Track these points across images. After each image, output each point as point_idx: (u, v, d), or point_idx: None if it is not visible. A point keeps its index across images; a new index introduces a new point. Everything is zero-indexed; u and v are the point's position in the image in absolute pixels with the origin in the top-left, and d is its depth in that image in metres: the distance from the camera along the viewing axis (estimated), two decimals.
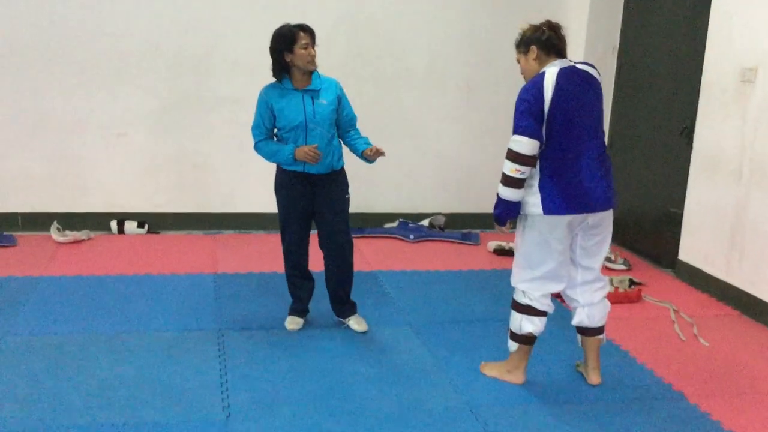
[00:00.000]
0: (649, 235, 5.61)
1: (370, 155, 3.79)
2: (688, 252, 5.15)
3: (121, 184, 5.82)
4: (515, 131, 3.14)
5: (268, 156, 3.84)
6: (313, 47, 3.70)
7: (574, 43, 6.21)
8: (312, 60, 3.70)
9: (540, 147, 3.15)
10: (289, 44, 3.66)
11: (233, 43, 5.77)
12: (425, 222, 6.18)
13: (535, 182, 3.19)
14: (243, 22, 5.75)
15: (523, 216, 3.27)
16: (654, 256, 5.58)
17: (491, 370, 3.55)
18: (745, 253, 4.57)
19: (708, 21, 4.91)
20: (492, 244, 5.68)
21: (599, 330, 3.45)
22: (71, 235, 5.44)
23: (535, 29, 3.24)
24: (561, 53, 3.25)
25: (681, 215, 5.22)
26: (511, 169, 3.12)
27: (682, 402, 3.38)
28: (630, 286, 4.81)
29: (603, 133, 3.30)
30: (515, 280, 3.37)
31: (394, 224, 6.12)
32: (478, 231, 6.22)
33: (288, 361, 3.63)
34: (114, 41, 5.60)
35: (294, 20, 5.72)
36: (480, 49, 6.13)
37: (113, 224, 5.75)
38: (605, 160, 3.28)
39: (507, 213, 3.24)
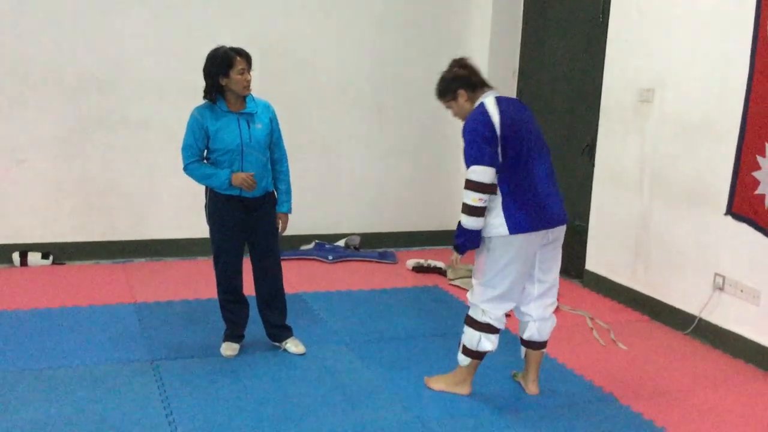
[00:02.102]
0: None
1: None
2: (595, 262, 5.45)
3: (22, 214, 5.52)
4: (472, 162, 3.21)
5: (201, 179, 3.77)
6: (249, 72, 3.67)
7: (476, 61, 6.47)
8: (247, 86, 3.68)
9: (496, 173, 3.26)
10: (224, 68, 3.62)
11: (140, 64, 5.62)
12: (341, 242, 6.21)
13: (497, 205, 3.29)
14: (149, 43, 5.62)
15: (487, 239, 3.35)
16: (562, 268, 5.81)
17: (437, 383, 3.62)
18: (651, 262, 4.89)
19: (605, 45, 5.25)
20: (411, 262, 5.78)
21: (544, 344, 3.60)
22: None
23: (454, 75, 3.39)
24: (484, 84, 3.40)
25: (586, 228, 5.52)
26: (473, 199, 3.20)
27: (615, 404, 3.58)
28: None
29: (548, 151, 3.46)
30: (477, 299, 3.44)
31: (311, 246, 6.12)
32: (393, 250, 6.32)
33: (231, 388, 3.56)
34: (12, 63, 5.32)
35: (204, 42, 5.66)
36: (390, 69, 6.27)
37: (15, 256, 5.43)
38: (554, 177, 3.45)
39: (470, 242, 3.30)
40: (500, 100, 3.34)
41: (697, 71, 4.48)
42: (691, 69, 4.53)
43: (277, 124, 3.91)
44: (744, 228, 4.17)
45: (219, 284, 3.93)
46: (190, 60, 5.69)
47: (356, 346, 4.16)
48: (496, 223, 3.30)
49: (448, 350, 4.06)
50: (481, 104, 3.33)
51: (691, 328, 4.52)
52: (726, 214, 4.28)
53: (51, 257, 5.51)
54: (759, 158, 4.00)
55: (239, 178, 3.67)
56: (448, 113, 6.77)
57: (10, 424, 3.13)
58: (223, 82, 3.64)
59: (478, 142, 3.21)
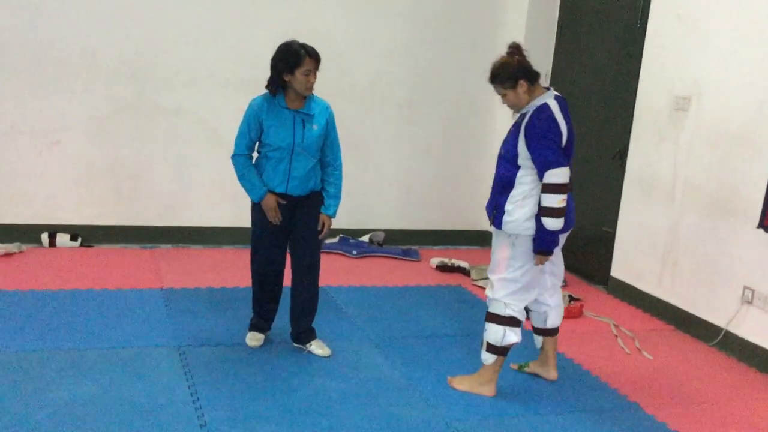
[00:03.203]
0: (583, 252, 5.85)
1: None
2: (621, 269, 5.42)
3: (52, 195, 5.57)
4: (552, 165, 3.25)
5: (240, 178, 3.72)
6: (314, 75, 3.60)
7: None
8: (311, 87, 3.61)
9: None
10: (291, 66, 3.53)
11: (175, 52, 5.66)
12: (365, 238, 6.22)
13: (531, 206, 3.34)
14: (186, 31, 5.65)
15: (514, 236, 3.40)
16: (586, 273, 5.83)
17: (462, 383, 3.63)
18: (678, 271, 4.86)
19: (642, 50, 5.21)
20: (435, 261, 5.78)
21: (558, 329, 3.74)
22: (2, 247, 5.15)
23: (519, 63, 3.36)
24: (538, 77, 3.41)
25: (614, 234, 5.49)
26: (559, 201, 3.27)
27: (640, 412, 3.56)
28: (570, 302, 5.01)
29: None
30: (499, 294, 3.47)
31: (335, 240, 6.13)
32: (416, 247, 6.32)
33: (256, 377, 3.58)
34: (48, 47, 5.37)
35: (238, 33, 5.75)
36: (422, 66, 6.26)
37: (44, 237, 5.48)
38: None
39: (555, 242, 3.36)
40: (560, 104, 3.37)
41: (735, 80, 4.44)
42: (729, 78, 4.48)
43: (334, 127, 3.80)
44: None
45: (254, 278, 3.90)
46: (225, 51, 5.74)
47: (380, 342, 4.17)
48: (529, 225, 3.35)
49: (472, 350, 4.06)
50: (546, 105, 3.33)
51: (717, 340, 4.49)
52: (758, 227, 4.23)
53: (79, 239, 5.56)
54: None
55: (268, 206, 3.66)
56: (478, 111, 6.76)
57: (40, 403, 3.16)
58: (287, 78, 3.56)
59: (553, 147, 3.26)
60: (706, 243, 4.63)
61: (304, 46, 3.58)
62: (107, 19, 5.47)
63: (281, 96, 3.64)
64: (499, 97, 3.47)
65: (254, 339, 3.96)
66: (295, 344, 3.99)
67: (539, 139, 3.27)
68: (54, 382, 3.35)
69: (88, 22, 5.43)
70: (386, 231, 6.36)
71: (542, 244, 3.34)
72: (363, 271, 5.54)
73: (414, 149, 6.39)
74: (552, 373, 3.77)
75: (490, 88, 6.88)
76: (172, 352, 3.78)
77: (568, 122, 3.36)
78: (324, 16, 5.95)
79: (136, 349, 3.78)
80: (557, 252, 3.61)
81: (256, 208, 3.77)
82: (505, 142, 3.46)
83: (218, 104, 5.79)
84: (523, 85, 3.36)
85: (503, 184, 3.42)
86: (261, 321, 3.99)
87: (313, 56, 3.57)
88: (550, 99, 3.36)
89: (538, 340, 3.78)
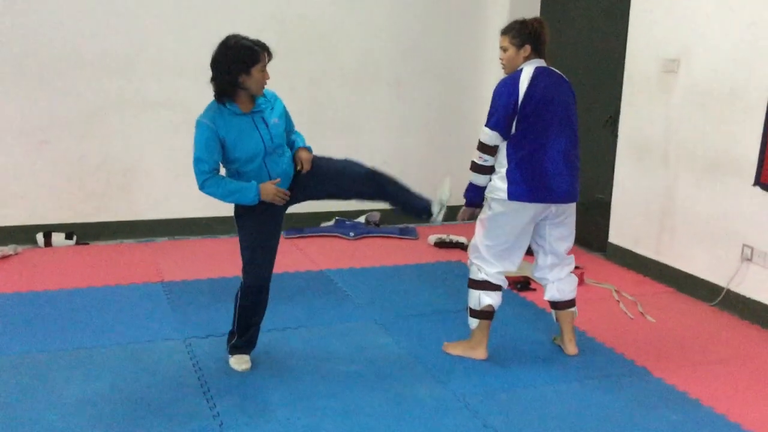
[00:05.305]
0: (579, 221, 5.82)
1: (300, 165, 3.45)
2: (618, 235, 5.44)
3: (45, 194, 5.53)
4: (486, 123, 3.43)
5: (225, 196, 3.26)
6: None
7: (494, 35, 6.41)
8: (265, 85, 3.27)
9: (504, 139, 3.44)
10: (248, 65, 3.15)
11: (160, 44, 5.60)
12: (361, 219, 6.21)
13: (504, 169, 3.45)
14: (169, 22, 5.59)
15: (490, 199, 3.52)
16: (584, 241, 5.83)
17: (455, 348, 3.74)
18: (676, 234, 4.87)
19: (629, 14, 5.18)
20: (432, 238, 5.78)
21: (571, 303, 3.73)
22: None
23: (535, 31, 3.43)
24: (543, 54, 3.49)
25: (609, 201, 5.50)
26: (477, 157, 3.48)
27: (648, 376, 3.58)
28: None
29: (574, 131, 3.53)
30: (472, 255, 3.62)
31: (331, 222, 6.12)
32: (413, 225, 6.32)
33: (264, 365, 3.58)
34: (33, 44, 5.31)
35: (224, 19, 5.68)
36: (409, 44, 6.23)
37: (39, 237, 5.45)
38: (572, 158, 3.51)
39: (475, 197, 3.58)
40: (538, 72, 3.42)
41: (724, 41, 4.43)
42: (717, 39, 4.47)
43: (288, 114, 3.52)
44: None
45: (247, 292, 3.44)
46: (210, 39, 5.59)
47: (385, 322, 4.17)
48: (499, 185, 3.47)
49: None
50: (520, 70, 3.43)
51: (719, 299, 4.51)
52: (755, 184, 4.25)
53: (74, 237, 5.53)
54: None
55: (270, 193, 3.26)
56: (468, 86, 6.71)
57: (51, 404, 3.15)
58: (242, 79, 3.17)
59: (497, 109, 3.40)
60: (703, 203, 4.65)
61: (252, 40, 3.21)
62: (89, 14, 5.40)
63: (231, 103, 3.23)
64: (497, 54, 3.58)
65: (243, 362, 3.53)
66: (423, 212, 3.68)
67: (493, 97, 3.46)
68: (63, 382, 3.34)
69: (71, 18, 5.36)
70: (381, 211, 6.34)
71: (465, 193, 3.59)
72: (362, 253, 5.54)
73: (405, 127, 6.37)
74: (569, 348, 3.75)
75: (479, 61, 6.88)
76: (178, 345, 3.78)
77: (535, 91, 3.36)
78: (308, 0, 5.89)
79: (142, 345, 3.77)
80: (547, 229, 3.58)
81: (247, 219, 3.39)
82: None
83: (206, 93, 5.70)
84: (526, 50, 3.45)
85: None
86: (251, 339, 3.56)
87: (267, 50, 3.22)
88: (529, 66, 3.43)
89: (552, 313, 3.82)
